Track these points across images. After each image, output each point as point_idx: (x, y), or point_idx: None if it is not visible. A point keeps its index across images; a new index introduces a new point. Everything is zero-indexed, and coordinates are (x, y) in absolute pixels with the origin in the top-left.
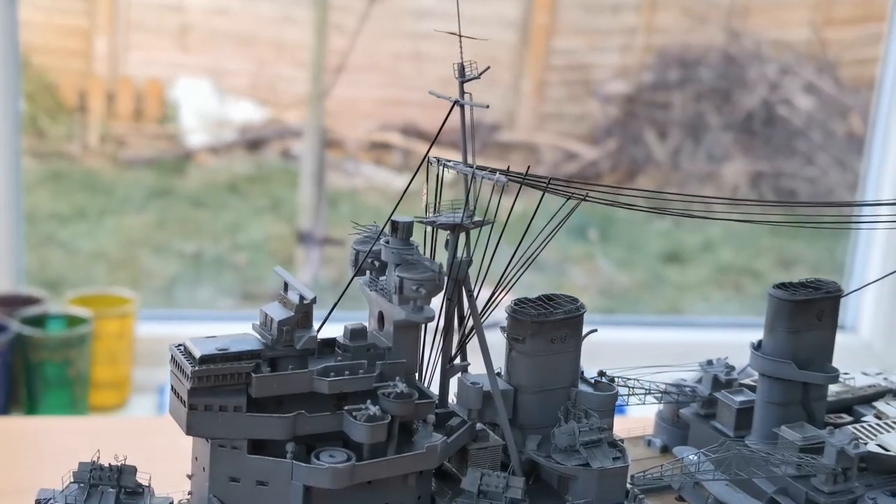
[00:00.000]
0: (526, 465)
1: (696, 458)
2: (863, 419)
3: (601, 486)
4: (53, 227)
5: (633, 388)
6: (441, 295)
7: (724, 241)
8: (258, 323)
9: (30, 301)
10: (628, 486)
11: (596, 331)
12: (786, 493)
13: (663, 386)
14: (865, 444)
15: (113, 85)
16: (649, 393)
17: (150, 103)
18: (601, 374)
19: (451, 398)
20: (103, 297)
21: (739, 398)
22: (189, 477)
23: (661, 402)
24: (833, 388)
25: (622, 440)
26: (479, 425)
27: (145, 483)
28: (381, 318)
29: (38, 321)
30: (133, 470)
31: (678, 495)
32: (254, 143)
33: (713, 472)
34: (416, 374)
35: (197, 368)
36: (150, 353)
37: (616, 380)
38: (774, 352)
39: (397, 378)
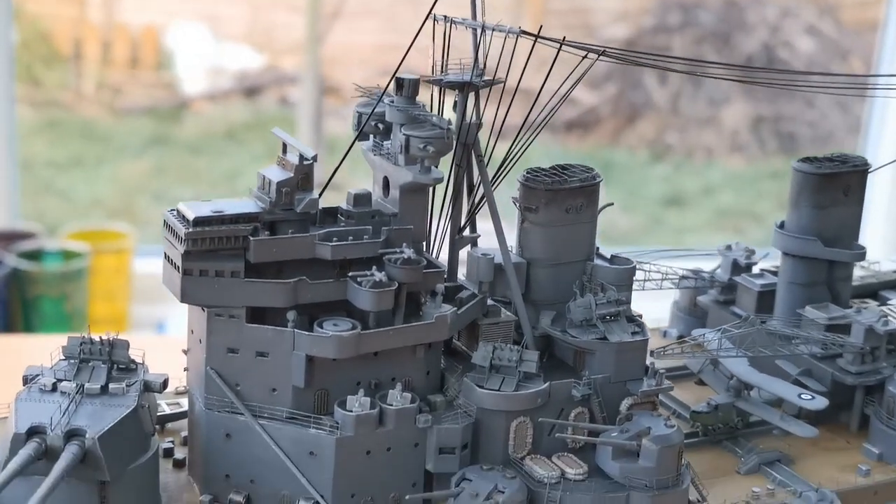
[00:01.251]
0: (539, 342)
1: (716, 335)
2: (889, 303)
3: (619, 360)
4: (51, 174)
5: (648, 272)
6: (449, 159)
7: (724, 184)
8: (256, 188)
9: (26, 236)
10: (648, 361)
11: (612, 204)
12: (810, 375)
13: (681, 272)
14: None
15: (108, 32)
16: (666, 278)
17: (145, 51)
18: (615, 258)
19: (461, 276)
20: (100, 233)
21: (760, 281)
22: (185, 352)
23: (678, 288)
24: (858, 273)
25: (641, 315)
26: (490, 301)
27: (139, 360)
28: (385, 184)
29: (35, 256)
30: (126, 344)
31: (698, 379)
32: (251, 90)
33: (735, 349)
34: (424, 245)
35: (191, 230)
36: (148, 289)
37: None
38: (799, 229)
39: (404, 244)
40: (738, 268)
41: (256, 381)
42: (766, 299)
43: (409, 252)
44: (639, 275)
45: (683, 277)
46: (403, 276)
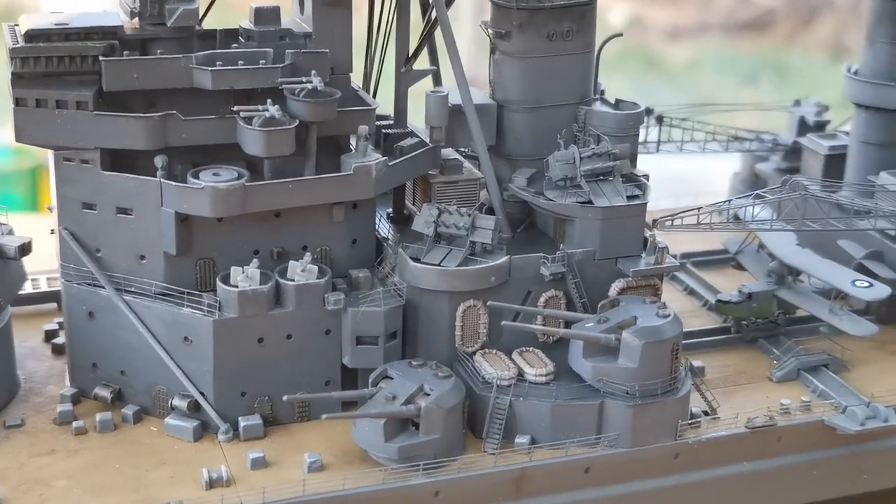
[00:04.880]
0: (518, 209)
1: (747, 202)
2: None
3: (607, 231)
4: None
5: (690, 129)
6: None
7: None
8: None
9: None
10: (647, 233)
11: (621, 35)
12: (880, 259)
13: (733, 131)
14: None
15: None
16: (714, 138)
17: None
18: (648, 111)
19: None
20: None
21: (829, 142)
22: (49, 210)
23: (726, 151)
24: None
25: (647, 175)
26: (453, 154)
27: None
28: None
29: None
30: None
31: (735, 262)
32: None
33: (771, 220)
34: (359, 78)
35: (19, 46)
36: None
37: (666, 119)
38: (874, 72)
39: (313, 72)
40: (805, 127)
41: (120, 245)
42: (836, 164)
43: (317, 82)
44: (676, 134)
45: (736, 138)
46: (307, 113)
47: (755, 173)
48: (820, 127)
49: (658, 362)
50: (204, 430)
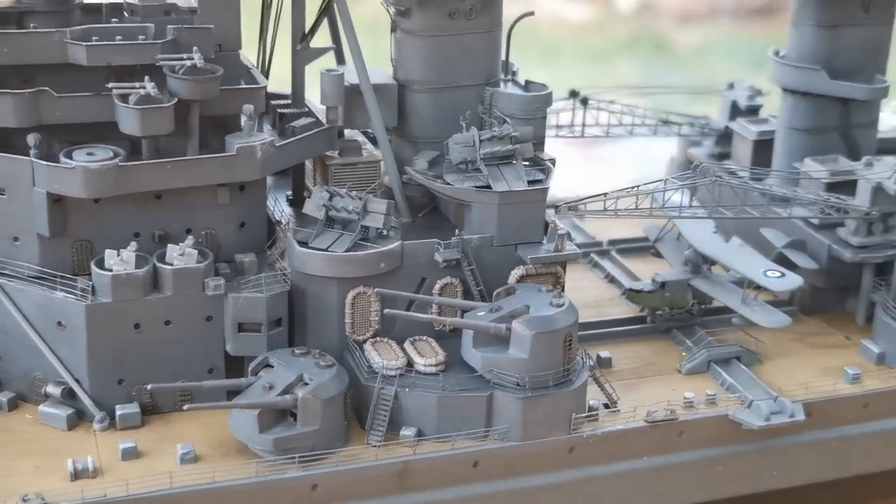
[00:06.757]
0: (421, 192)
1: (658, 187)
2: None
3: (506, 216)
4: None
5: (618, 112)
6: None
7: None
8: None
9: None
10: (548, 218)
11: (533, 13)
12: (801, 248)
13: (664, 115)
14: None
15: None
16: (643, 123)
17: None
18: (574, 93)
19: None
20: None
21: (758, 128)
22: None
23: (655, 135)
24: None
25: (553, 159)
26: (357, 136)
27: None
28: None
29: None
30: None
31: (654, 250)
32: None
33: (680, 207)
34: (257, 56)
35: None
36: None
37: (592, 102)
38: (801, 55)
39: (195, 49)
40: (738, 111)
41: None
42: (764, 150)
43: (197, 58)
44: (602, 117)
45: (666, 122)
46: (186, 91)
47: (689, 158)
48: (753, 111)
49: (550, 353)
50: (80, 419)
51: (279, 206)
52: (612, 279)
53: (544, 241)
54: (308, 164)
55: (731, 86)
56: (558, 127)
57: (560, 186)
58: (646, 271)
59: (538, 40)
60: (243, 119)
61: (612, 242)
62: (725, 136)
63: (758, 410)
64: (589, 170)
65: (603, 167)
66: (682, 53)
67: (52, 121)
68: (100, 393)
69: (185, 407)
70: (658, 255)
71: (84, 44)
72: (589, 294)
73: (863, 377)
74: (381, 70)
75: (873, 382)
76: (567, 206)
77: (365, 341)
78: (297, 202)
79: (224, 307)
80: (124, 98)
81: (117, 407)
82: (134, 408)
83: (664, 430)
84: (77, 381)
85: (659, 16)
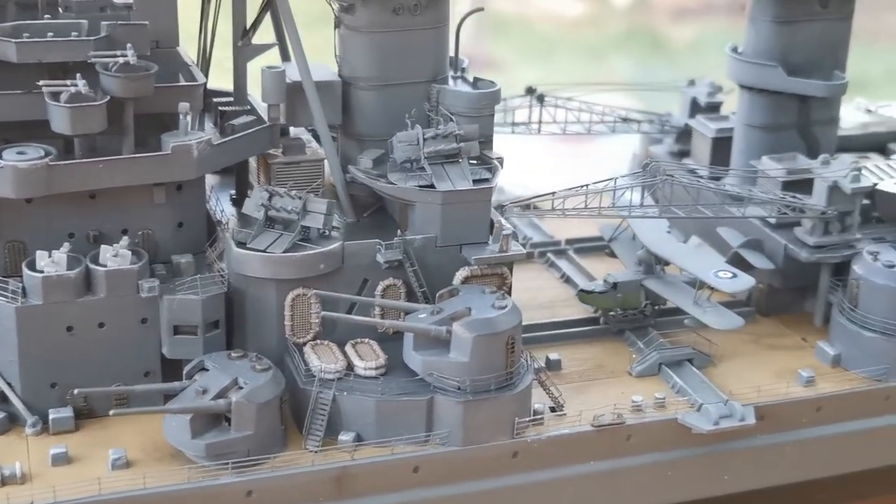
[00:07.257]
0: (368, 192)
1: (608, 186)
2: (893, 156)
3: (449, 216)
4: None
5: (576, 110)
6: None
7: None
8: None
9: None
10: (494, 217)
11: (482, 9)
12: (757, 248)
13: (624, 112)
14: (876, 183)
15: None
16: (601, 120)
17: None
18: (530, 90)
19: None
20: None
21: (717, 125)
22: None
23: (614, 132)
24: (860, 119)
25: (501, 158)
26: (300, 134)
27: None
28: None
29: None
30: None
31: (608, 250)
32: None
33: (630, 206)
34: (193, 53)
35: None
36: None
37: (550, 99)
38: (757, 52)
39: (129, 45)
40: (697, 108)
41: None
42: (723, 147)
43: (130, 55)
44: (560, 115)
45: (625, 120)
46: (119, 88)
47: (649, 156)
48: (713, 108)
49: (491, 356)
50: (13, 423)
51: (221, 206)
52: (567, 279)
53: (489, 242)
54: (252, 163)
55: (691, 82)
56: (514, 125)
57: (521, 185)
58: (602, 271)
59: (533, 36)
60: (181, 117)
61: (570, 242)
62: (685, 134)
63: (707, 414)
64: (553, 168)
65: (568, 165)
66: (677, 49)
67: None
68: (32, 397)
69: (112, 412)
70: (612, 254)
71: (14, 41)
72: (544, 294)
73: (817, 380)
74: (326, 67)
75: (827, 385)
76: (514, 206)
77: (305, 344)
78: (240, 202)
79: (159, 309)
80: (55, 96)
81: (50, 411)
82: (67, 412)
83: (611, 434)
84: (9, 384)
85: (653, 11)
